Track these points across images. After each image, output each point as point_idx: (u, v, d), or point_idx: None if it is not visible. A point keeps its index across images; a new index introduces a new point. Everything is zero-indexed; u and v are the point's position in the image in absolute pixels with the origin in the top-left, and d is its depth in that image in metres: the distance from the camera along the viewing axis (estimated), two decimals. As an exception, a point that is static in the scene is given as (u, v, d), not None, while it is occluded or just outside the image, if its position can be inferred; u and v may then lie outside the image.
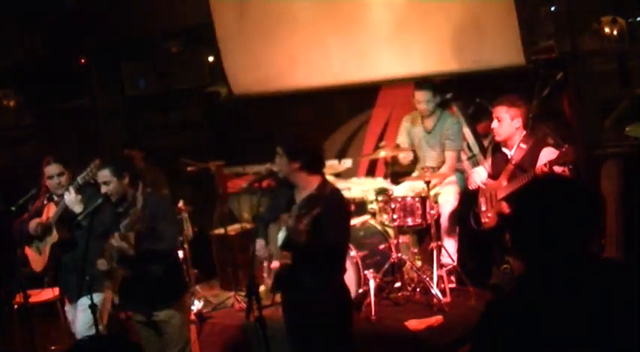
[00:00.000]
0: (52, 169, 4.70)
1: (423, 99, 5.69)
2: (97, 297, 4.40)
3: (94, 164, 4.44)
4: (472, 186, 5.11)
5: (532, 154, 4.66)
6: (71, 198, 4.53)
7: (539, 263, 1.98)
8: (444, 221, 5.58)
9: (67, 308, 4.97)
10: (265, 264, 3.91)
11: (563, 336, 1.87)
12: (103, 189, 4.24)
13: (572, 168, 4.41)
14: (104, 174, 4.24)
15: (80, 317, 4.62)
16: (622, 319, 1.89)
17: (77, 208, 4.51)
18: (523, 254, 2.03)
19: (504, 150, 4.88)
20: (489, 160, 5.11)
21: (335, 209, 3.72)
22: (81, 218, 4.37)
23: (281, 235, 3.72)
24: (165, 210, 4.33)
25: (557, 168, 4.40)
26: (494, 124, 4.82)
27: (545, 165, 4.40)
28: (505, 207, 4.75)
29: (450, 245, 5.56)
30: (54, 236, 4.73)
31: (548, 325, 1.88)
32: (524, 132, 4.82)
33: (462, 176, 5.75)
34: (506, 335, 1.92)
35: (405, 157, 5.90)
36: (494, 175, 4.95)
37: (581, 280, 1.92)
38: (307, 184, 3.78)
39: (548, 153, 4.59)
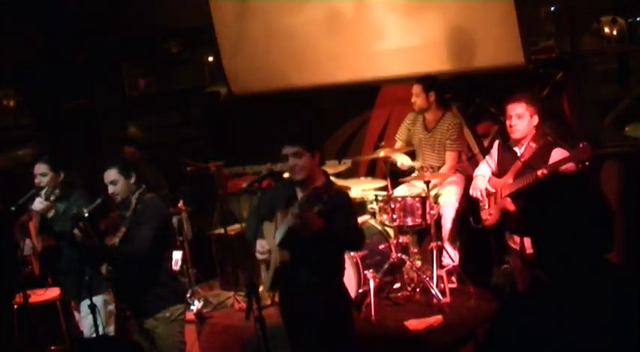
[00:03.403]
0: (36, 168, 4.74)
1: (413, 92, 5.71)
2: (96, 300, 4.39)
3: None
4: (475, 194, 5.00)
5: (542, 153, 4.60)
6: (41, 206, 4.54)
7: (556, 268, 1.97)
8: (446, 222, 5.57)
9: (74, 309, 4.99)
10: (263, 266, 3.87)
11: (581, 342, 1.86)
12: (110, 189, 4.22)
13: (588, 165, 4.36)
14: (111, 174, 4.21)
15: (85, 324, 4.63)
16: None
17: (49, 213, 4.53)
18: (542, 258, 2.03)
19: (515, 148, 4.83)
20: (494, 158, 5.04)
21: (342, 204, 3.72)
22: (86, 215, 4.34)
23: (279, 232, 3.70)
24: (149, 214, 4.19)
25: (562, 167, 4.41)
26: (514, 121, 4.71)
27: (546, 168, 4.40)
28: (509, 204, 4.68)
29: (452, 246, 5.55)
30: (38, 245, 4.74)
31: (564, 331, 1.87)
32: (535, 132, 4.79)
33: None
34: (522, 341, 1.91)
35: (403, 165, 5.87)
36: (499, 173, 4.91)
37: (599, 286, 1.92)
38: (316, 179, 3.77)
39: (559, 154, 4.56)
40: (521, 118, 4.70)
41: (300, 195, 3.75)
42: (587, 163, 4.33)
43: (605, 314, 1.89)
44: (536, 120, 4.74)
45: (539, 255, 2.03)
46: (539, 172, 4.41)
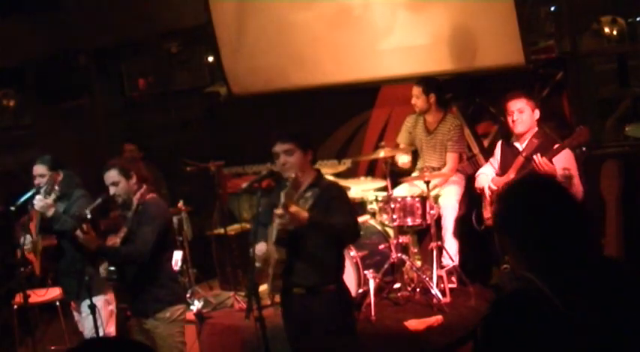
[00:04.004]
0: (35, 169, 4.74)
1: (413, 93, 5.73)
2: (97, 300, 4.40)
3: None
4: (481, 191, 5.04)
5: (544, 149, 4.63)
6: (41, 204, 4.52)
7: (528, 263, 1.99)
8: (446, 222, 5.57)
9: (74, 309, 4.99)
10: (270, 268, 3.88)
11: (573, 338, 1.87)
12: (112, 190, 4.22)
13: (585, 150, 4.37)
14: (111, 175, 4.21)
15: (86, 324, 4.64)
16: (629, 318, 1.90)
17: (49, 212, 4.52)
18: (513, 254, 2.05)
19: (516, 144, 4.86)
20: (497, 158, 5.06)
21: (334, 197, 3.71)
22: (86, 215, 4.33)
23: (274, 231, 3.70)
24: (151, 215, 4.18)
25: (559, 166, 4.42)
26: (516, 116, 4.77)
27: (546, 155, 4.43)
28: None
29: (452, 246, 5.55)
30: (39, 244, 4.74)
31: (558, 328, 1.88)
32: (537, 129, 4.82)
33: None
34: (515, 340, 1.91)
35: (404, 163, 5.88)
36: (502, 172, 4.93)
37: (582, 280, 1.93)
38: (308, 177, 3.78)
39: (561, 151, 4.57)
40: (523, 112, 4.77)
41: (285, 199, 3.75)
42: (584, 149, 4.37)
43: (605, 311, 1.89)
44: (537, 114, 4.82)
45: (518, 257, 2.05)
46: (535, 158, 4.45)
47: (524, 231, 2.00)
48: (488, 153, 5.95)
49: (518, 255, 2.03)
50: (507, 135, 5.13)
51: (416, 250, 5.83)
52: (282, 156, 3.71)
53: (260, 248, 3.80)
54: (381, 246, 5.58)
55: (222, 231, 6.30)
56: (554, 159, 4.53)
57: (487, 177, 5.03)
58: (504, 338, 1.91)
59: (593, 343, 1.85)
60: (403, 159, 5.87)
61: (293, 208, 3.52)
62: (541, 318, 1.87)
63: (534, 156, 4.52)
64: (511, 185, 2.22)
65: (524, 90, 4.96)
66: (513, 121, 4.80)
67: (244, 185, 4.53)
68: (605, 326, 1.87)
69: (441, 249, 5.44)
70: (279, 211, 3.54)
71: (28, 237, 4.77)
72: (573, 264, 1.94)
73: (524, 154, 4.73)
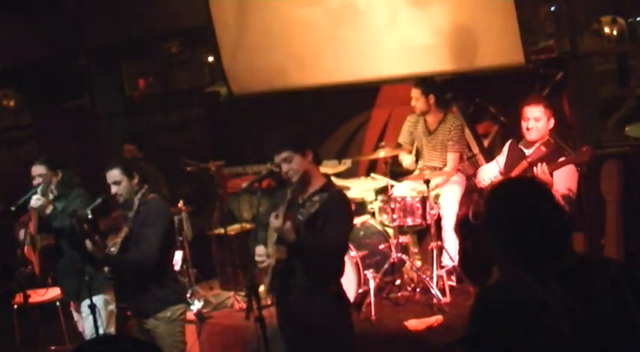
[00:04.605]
0: (34, 169, 4.75)
1: (412, 96, 5.73)
2: (97, 300, 4.39)
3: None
4: (480, 184, 5.05)
5: (549, 160, 4.60)
6: (38, 203, 4.53)
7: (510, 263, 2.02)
8: (446, 222, 5.57)
9: (73, 309, 4.98)
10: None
11: (555, 332, 1.89)
12: (113, 189, 4.22)
13: (585, 168, 4.39)
14: (114, 174, 4.21)
15: (86, 325, 4.63)
16: (611, 313, 1.94)
17: (46, 211, 4.53)
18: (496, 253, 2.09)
19: (524, 149, 4.85)
20: (504, 156, 5.06)
21: (338, 209, 3.72)
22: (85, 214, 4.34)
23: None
24: (154, 217, 4.18)
25: (560, 182, 4.44)
26: (531, 124, 4.70)
27: (550, 171, 4.44)
28: None
29: (452, 246, 5.55)
30: (38, 243, 4.74)
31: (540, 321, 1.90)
32: (548, 137, 4.79)
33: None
34: (499, 335, 1.93)
35: (407, 165, 5.87)
36: (506, 171, 4.93)
37: (564, 277, 1.97)
38: (315, 180, 3.80)
39: (566, 167, 4.57)
40: (539, 121, 4.70)
41: (301, 197, 3.78)
42: (584, 167, 4.38)
43: (588, 303, 1.92)
44: (552, 123, 4.75)
45: (503, 254, 2.07)
46: (537, 166, 4.46)
47: (507, 230, 2.04)
48: (488, 153, 5.95)
49: (503, 252, 2.07)
50: (511, 136, 5.11)
51: (416, 250, 5.83)
52: (283, 166, 3.77)
53: (259, 251, 3.81)
54: (381, 246, 5.59)
55: (222, 231, 6.30)
56: (555, 173, 4.51)
57: (489, 171, 5.03)
58: (489, 329, 1.94)
59: (576, 334, 1.88)
60: (407, 161, 5.87)
61: (287, 225, 3.59)
62: (525, 309, 1.90)
63: (538, 165, 4.49)
64: (496, 187, 2.25)
65: (543, 96, 4.91)
66: (528, 129, 4.70)
67: (244, 185, 4.53)
68: (587, 318, 1.89)
69: (441, 248, 5.44)
70: (275, 218, 3.60)
71: (27, 232, 4.78)
72: (556, 260, 1.99)
73: (528, 160, 4.71)
